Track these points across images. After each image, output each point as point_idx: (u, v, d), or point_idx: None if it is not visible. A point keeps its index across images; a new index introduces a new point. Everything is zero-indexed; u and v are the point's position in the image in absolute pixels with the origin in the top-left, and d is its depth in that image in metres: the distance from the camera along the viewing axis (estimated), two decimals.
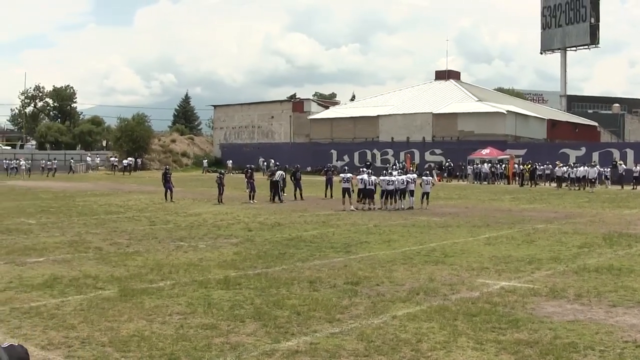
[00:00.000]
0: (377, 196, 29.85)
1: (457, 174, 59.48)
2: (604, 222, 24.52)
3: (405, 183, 29.87)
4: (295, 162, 46.26)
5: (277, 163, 48.88)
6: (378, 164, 63.91)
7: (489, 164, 56.66)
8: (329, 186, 36.27)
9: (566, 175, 48.16)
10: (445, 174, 58.88)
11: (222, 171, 36.76)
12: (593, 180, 43.39)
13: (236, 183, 41.54)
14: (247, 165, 37.89)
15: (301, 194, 35.30)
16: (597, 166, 47.13)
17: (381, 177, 30.51)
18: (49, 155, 76.31)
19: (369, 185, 29.13)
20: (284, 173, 35.15)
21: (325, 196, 36.03)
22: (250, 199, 33.46)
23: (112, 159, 75.88)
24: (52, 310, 10.35)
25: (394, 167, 48.63)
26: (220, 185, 32.67)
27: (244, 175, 36.77)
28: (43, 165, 70.25)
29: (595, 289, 12.12)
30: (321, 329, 9.39)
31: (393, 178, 29.80)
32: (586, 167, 46.16)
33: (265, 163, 63.83)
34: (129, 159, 74.78)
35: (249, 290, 11.94)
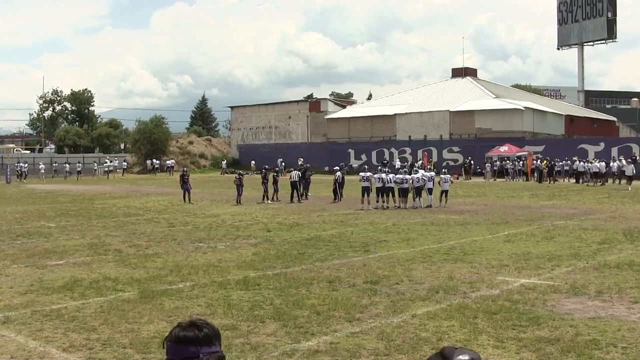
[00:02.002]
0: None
1: (479, 170, 59.23)
2: (624, 217, 24.34)
3: (420, 181, 29.87)
4: (313, 162, 46.26)
5: (301, 162, 48.97)
6: (401, 162, 63.75)
7: (507, 161, 56.53)
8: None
9: (584, 170, 48.01)
10: (463, 172, 58.71)
11: (241, 172, 36.85)
12: (630, 176, 42.73)
13: (256, 184, 41.58)
14: (264, 166, 38.15)
15: (306, 193, 35.62)
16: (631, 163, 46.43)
17: (397, 176, 30.48)
18: (110, 157, 78.35)
19: (388, 183, 29.23)
20: (299, 172, 35.29)
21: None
22: (263, 199, 33.70)
23: (155, 161, 76.69)
24: (72, 313, 10.41)
25: (414, 165, 48.32)
26: (240, 186, 32.75)
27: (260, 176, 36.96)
28: (96, 168, 72.51)
29: (617, 285, 12.04)
30: (341, 328, 9.38)
31: (408, 177, 29.84)
32: (623, 163, 45.73)
33: (283, 164, 63.82)
34: (171, 160, 75.67)
35: (269, 290, 11.95)
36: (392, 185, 29.43)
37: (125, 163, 76.72)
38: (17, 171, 64.45)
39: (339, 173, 34.81)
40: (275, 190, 34.62)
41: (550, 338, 8.74)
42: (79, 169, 69.36)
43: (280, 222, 23.85)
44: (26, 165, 66.56)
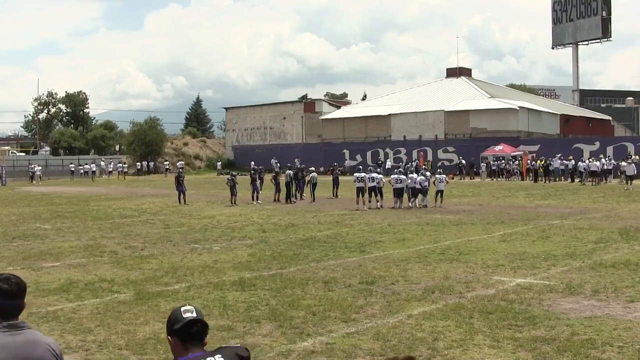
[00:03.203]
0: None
1: (474, 169, 59.29)
2: (619, 217, 24.37)
3: (415, 181, 30.01)
4: (308, 162, 46.35)
5: (293, 163, 49.08)
6: (392, 162, 63.88)
7: (503, 161, 56.64)
8: (335, 185, 36.80)
9: (582, 170, 48.17)
10: (459, 172, 58.72)
11: (234, 173, 36.86)
12: (631, 176, 42.65)
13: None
14: (253, 166, 38.59)
15: (301, 194, 35.64)
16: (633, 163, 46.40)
17: (392, 176, 30.65)
18: (106, 158, 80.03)
19: (398, 183, 29.60)
20: (290, 172, 35.32)
21: (334, 195, 36.24)
22: (252, 199, 33.75)
23: (165, 163, 77.07)
24: (68, 314, 10.39)
25: (408, 166, 48.35)
26: (233, 187, 32.75)
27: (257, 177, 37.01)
28: (117, 169, 74.00)
29: (613, 284, 12.05)
30: (337, 329, 9.38)
31: (403, 177, 29.99)
32: (624, 163, 45.83)
33: (278, 164, 63.76)
34: (181, 162, 76.12)
35: (264, 291, 11.95)
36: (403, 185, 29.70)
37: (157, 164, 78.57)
38: (30, 173, 65.84)
39: (313, 174, 35.07)
40: (277, 191, 34.72)
41: (546, 337, 8.74)
42: (94, 170, 70.75)
43: (276, 223, 23.84)
44: (40, 167, 67.70)
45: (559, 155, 52.57)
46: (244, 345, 3.82)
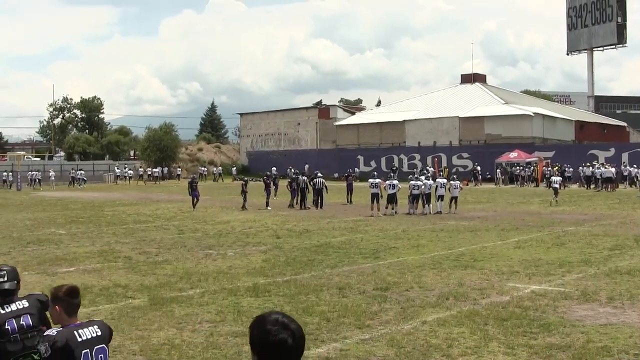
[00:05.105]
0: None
1: (488, 175, 59.07)
2: (635, 223, 24.22)
3: (430, 188, 29.98)
4: (322, 168, 46.34)
5: (304, 171, 49.21)
6: (405, 169, 63.82)
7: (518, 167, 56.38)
8: (349, 192, 36.87)
9: (597, 176, 47.88)
10: (472, 178, 58.49)
11: (246, 178, 36.96)
12: None
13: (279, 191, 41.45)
14: (266, 172, 38.82)
15: (318, 202, 35.04)
16: None
17: (411, 182, 30.55)
18: (120, 164, 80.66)
19: (415, 189, 29.60)
20: (306, 179, 35.27)
21: (348, 201, 36.20)
22: (266, 205, 33.79)
23: (202, 169, 77.54)
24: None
25: (423, 171, 48.26)
26: (244, 192, 32.90)
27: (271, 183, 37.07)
28: (145, 174, 74.53)
29: (628, 291, 11.98)
30: (351, 335, 9.37)
31: (420, 183, 29.90)
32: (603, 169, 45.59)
33: (293, 171, 63.81)
34: (219, 167, 76.65)
35: (278, 297, 11.95)
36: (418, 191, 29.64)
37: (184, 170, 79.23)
38: (72, 177, 67.11)
39: (317, 179, 34.13)
40: (293, 197, 34.68)
41: (561, 345, 8.70)
42: (150, 174, 72.12)
43: (290, 229, 23.84)
44: (82, 172, 68.71)
45: (602, 162, 52.00)
46: None
